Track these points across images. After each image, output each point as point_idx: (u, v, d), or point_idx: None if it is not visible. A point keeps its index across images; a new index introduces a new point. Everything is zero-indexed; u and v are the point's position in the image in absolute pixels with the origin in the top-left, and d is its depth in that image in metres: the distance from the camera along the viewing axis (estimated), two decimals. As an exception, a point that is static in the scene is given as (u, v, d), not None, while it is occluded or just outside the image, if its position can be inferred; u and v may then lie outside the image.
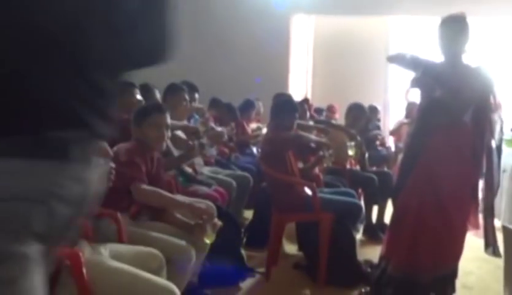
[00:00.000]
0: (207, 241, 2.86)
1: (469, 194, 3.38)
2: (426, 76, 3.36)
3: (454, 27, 3.30)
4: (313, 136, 4.18)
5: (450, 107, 3.27)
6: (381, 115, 8.53)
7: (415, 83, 3.46)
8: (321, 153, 4.45)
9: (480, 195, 3.48)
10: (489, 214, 3.37)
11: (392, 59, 3.53)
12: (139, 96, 3.77)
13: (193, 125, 4.43)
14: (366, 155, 5.75)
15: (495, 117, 3.34)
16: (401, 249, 3.39)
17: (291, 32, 9.13)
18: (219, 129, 4.68)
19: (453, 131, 3.31)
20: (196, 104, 4.77)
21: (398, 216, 3.49)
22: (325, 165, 4.81)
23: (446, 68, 3.31)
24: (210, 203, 3.26)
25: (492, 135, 3.33)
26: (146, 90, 4.07)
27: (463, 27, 3.30)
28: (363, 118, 5.46)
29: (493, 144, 3.34)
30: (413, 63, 3.42)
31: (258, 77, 8.32)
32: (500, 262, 3.37)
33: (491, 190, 3.37)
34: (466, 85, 3.23)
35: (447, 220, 3.31)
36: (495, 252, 3.35)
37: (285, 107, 4.17)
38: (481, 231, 3.45)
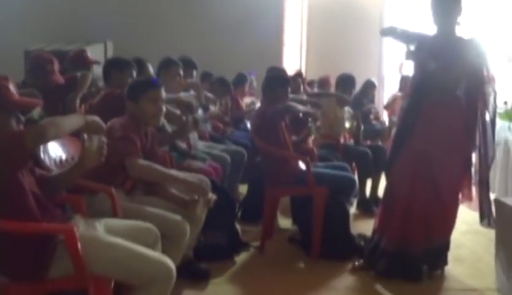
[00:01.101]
0: (201, 213, 2.88)
1: (462, 167, 3.41)
2: (420, 49, 3.36)
3: (447, 0, 3.29)
4: (301, 107, 4.16)
5: (443, 81, 3.27)
6: (376, 89, 8.50)
7: (410, 55, 3.45)
8: (309, 124, 4.45)
9: (474, 167, 3.50)
10: (484, 186, 3.40)
11: (386, 32, 3.52)
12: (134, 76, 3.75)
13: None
14: (362, 127, 5.76)
15: (489, 89, 3.34)
16: (393, 222, 3.43)
17: (285, 5, 9.05)
18: (213, 108, 4.66)
19: (446, 105, 3.32)
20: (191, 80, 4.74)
21: (391, 190, 3.52)
22: (312, 136, 4.81)
23: (439, 41, 3.31)
24: (205, 178, 3.27)
25: (485, 108, 3.34)
26: (139, 64, 4.04)
27: (456, 2, 3.29)
28: (351, 89, 5.44)
29: (487, 116, 3.35)
30: (407, 36, 3.41)
31: (253, 50, 8.28)
32: (492, 235, 3.41)
33: (486, 163, 3.39)
34: (460, 58, 3.23)
35: (439, 193, 3.34)
36: (490, 224, 3.39)
37: (276, 81, 4.15)
38: (474, 204, 3.49)
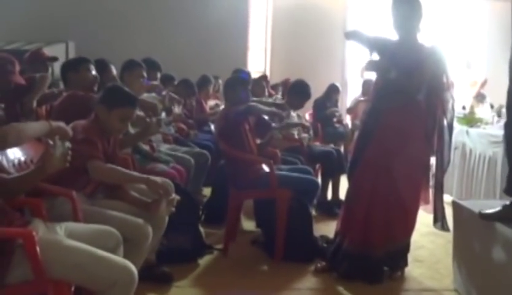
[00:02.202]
0: (164, 214, 2.86)
1: (421, 171, 3.48)
2: (381, 57, 3.42)
3: (406, 6, 3.36)
4: (265, 107, 4.16)
5: (404, 88, 3.34)
6: (339, 93, 8.61)
7: (371, 65, 3.51)
8: (273, 124, 4.45)
9: (431, 171, 3.59)
10: (439, 189, 3.49)
11: (350, 35, 3.56)
12: (94, 72, 3.69)
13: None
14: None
15: (447, 95, 3.43)
16: (355, 224, 3.48)
17: (249, 8, 9.09)
18: (177, 110, 4.64)
19: (407, 111, 3.38)
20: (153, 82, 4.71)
21: (352, 192, 3.57)
22: (276, 136, 4.83)
23: (400, 47, 3.37)
24: (167, 180, 3.25)
25: (443, 113, 3.43)
26: (102, 65, 3.99)
27: (415, 5, 3.36)
28: (303, 98, 5.17)
29: (445, 122, 3.44)
30: (370, 41, 3.46)
31: (218, 53, 8.28)
32: (450, 237, 3.49)
33: (441, 167, 3.48)
34: (420, 65, 3.30)
35: (399, 196, 3.41)
36: (443, 227, 3.48)
37: (238, 83, 4.16)
38: (431, 206, 3.57)
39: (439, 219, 3.48)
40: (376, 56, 3.45)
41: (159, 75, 5.21)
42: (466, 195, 5.33)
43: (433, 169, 3.60)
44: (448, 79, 3.43)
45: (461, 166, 5.54)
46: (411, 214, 3.51)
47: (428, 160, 3.56)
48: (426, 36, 3.48)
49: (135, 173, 3.00)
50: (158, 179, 2.87)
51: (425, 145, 3.46)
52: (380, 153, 3.40)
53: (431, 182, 3.59)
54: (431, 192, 3.57)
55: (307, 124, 5.73)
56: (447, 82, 3.43)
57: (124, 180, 2.92)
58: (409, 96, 3.37)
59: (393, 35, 3.45)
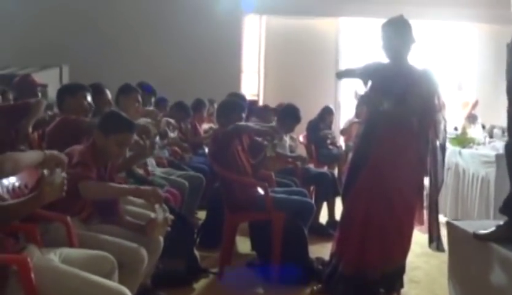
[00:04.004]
0: (160, 236, 2.86)
1: (415, 192, 3.50)
2: (372, 86, 3.46)
3: (395, 30, 3.41)
4: (254, 125, 4.16)
5: (396, 117, 3.38)
6: (333, 115, 8.67)
7: (363, 100, 3.56)
8: (265, 142, 4.46)
9: (425, 191, 3.60)
10: (433, 210, 3.51)
11: (340, 75, 3.62)
12: (90, 100, 3.71)
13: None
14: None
15: (439, 117, 3.47)
16: (351, 246, 3.48)
17: (243, 32, 9.18)
18: (172, 135, 4.65)
19: (400, 135, 3.41)
20: (149, 107, 4.73)
21: (347, 214, 3.58)
22: (268, 154, 4.83)
23: (391, 70, 3.41)
24: (157, 188, 3.24)
25: (436, 135, 3.46)
26: (98, 90, 4.01)
27: (404, 29, 3.42)
28: (292, 122, 5.17)
29: (438, 143, 3.47)
30: (360, 73, 3.52)
31: (211, 76, 8.34)
32: (445, 257, 3.49)
33: (435, 187, 3.50)
34: (412, 89, 3.34)
35: (394, 218, 3.42)
36: (439, 247, 3.49)
37: (230, 106, 4.18)
38: (426, 227, 3.58)
39: (434, 239, 3.49)
40: (366, 87, 3.50)
41: (153, 99, 5.23)
42: (460, 215, 5.34)
43: (427, 189, 3.61)
44: (440, 100, 3.47)
45: (455, 186, 5.57)
46: (406, 236, 3.52)
47: (422, 181, 3.58)
48: (418, 59, 3.53)
49: (125, 186, 3.03)
50: (148, 187, 2.88)
51: (418, 166, 3.48)
52: (375, 177, 3.42)
53: (426, 203, 3.61)
54: (425, 212, 3.58)
55: (304, 156, 5.73)
56: (439, 103, 3.47)
57: (115, 194, 2.92)
58: (402, 119, 3.40)
59: (383, 57, 3.50)
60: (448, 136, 5.53)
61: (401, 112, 3.37)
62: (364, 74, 3.49)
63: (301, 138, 7.28)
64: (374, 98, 3.45)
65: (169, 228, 2.87)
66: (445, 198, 5.57)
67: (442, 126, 3.46)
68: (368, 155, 3.45)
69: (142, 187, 2.86)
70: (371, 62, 3.57)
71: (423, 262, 4.35)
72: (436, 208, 3.53)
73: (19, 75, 6.06)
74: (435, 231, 3.48)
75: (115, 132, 2.90)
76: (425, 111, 3.41)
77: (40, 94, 4.60)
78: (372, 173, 3.43)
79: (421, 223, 3.57)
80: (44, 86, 4.73)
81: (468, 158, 5.39)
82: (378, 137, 3.43)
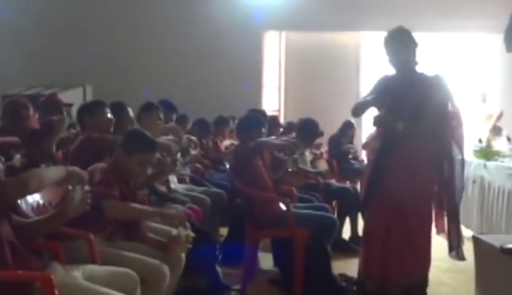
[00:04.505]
0: (181, 253, 2.86)
1: (432, 202, 3.47)
2: (386, 112, 3.44)
3: (397, 42, 3.41)
4: (276, 141, 4.15)
5: (411, 135, 3.36)
6: (355, 130, 8.63)
7: (378, 122, 3.54)
8: (286, 156, 4.44)
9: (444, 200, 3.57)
10: (453, 219, 3.47)
11: (356, 112, 3.60)
12: (109, 114, 3.75)
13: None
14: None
15: (455, 123, 3.44)
16: (373, 262, 3.45)
17: (263, 48, 9.22)
18: (193, 152, 4.67)
19: (415, 151, 3.39)
20: (171, 124, 4.76)
21: (368, 229, 3.57)
22: (289, 169, 4.81)
23: (401, 86, 3.39)
24: (181, 208, 3.25)
25: (452, 142, 3.43)
26: (119, 108, 4.05)
27: (406, 40, 3.40)
28: (312, 136, 5.20)
29: (455, 150, 3.43)
30: (373, 100, 3.50)
31: (232, 92, 8.38)
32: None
33: (453, 195, 3.46)
34: (427, 103, 3.31)
35: (411, 229, 3.40)
36: (459, 256, 3.44)
37: (250, 122, 4.18)
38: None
39: (454, 248, 3.45)
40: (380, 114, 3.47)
41: (175, 116, 5.26)
42: (486, 229, 5.25)
43: (446, 198, 3.57)
44: (454, 107, 3.45)
45: (480, 200, 5.48)
46: (425, 249, 3.48)
47: (440, 189, 3.54)
48: (441, 71, 3.52)
49: (149, 208, 3.05)
50: (172, 210, 2.89)
51: (435, 178, 3.45)
52: (393, 192, 3.40)
53: (446, 211, 3.57)
54: (446, 220, 3.54)
55: (324, 171, 5.70)
56: (454, 109, 3.45)
57: (139, 216, 2.95)
58: (417, 137, 3.38)
59: (393, 70, 3.49)
60: (473, 148, 5.46)
61: (416, 129, 3.35)
62: (376, 99, 3.48)
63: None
64: (388, 119, 3.43)
65: (190, 246, 2.88)
66: (470, 212, 5.49)
67: (458, 133, 3.44)
68: (384, 170, 3.44)
69: (166, 210, 2.87)
70: (378, 83, 3.57)
71: (449, 278, 4.27)
72: (457, 217, 3.49)
73: (43, 95, 6.18)
74: (455, 239, 3.44)
75: (137, 151, 2.92)
76: (439, 118, 3.38)
77: (65, 113, 4.67)
78: (390, 189, 3.41)
79: (443, 231, 3.52)
80: (70, 105, 4.80)
81: (493, 171, 5.31)
82: (394, 152, 3.40)
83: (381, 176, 3.45)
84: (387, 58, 3.46)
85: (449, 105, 3.44)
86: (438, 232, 3.56)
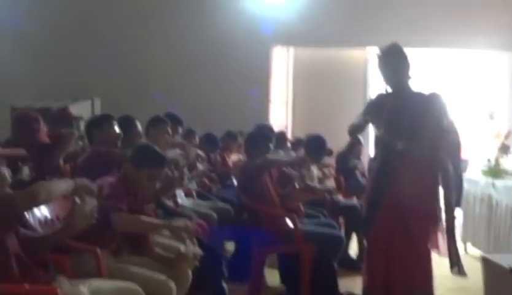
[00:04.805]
0: (188, 269, 2.85)
1: (432, 220, 3.46)
2: (383, 132, 3.44)
3: (392, 61, 3.41)
4: (284, 157, 4.16)
5: (410, 152, 3.35)
6: (362, 146, 8.61)
7: (378, 142, 3.54)
8: (293, 172, 4.43)
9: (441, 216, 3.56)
10: (451, 235, 3.45)
11: (352, 133, 3.62)
12: (117, 128, 3.76)
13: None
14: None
15: (449, 138, 3.44)
16: (377, 280, 3.43)
17: (271, 63, 9.25)
18: (201, 167, 4.68)
19: (414, 168, 3.39)
20: (178, 139, 4.76)
21: (371, 247, 3.55)
22: (297, 185, 4.79)
23: (396, 105, 3.39)
24: (189, 222, 3.25)
25: (448, 157, 3.42)
26: (127, 122, 4.06)
27: (400, 58, 3.40)
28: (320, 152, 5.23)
29: (450, 165, 3.42)
30: (368, 121, 3.51)
31: (240, 107, 8.40)
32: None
33: (450, 211, 3.45)
34: (423, 123, 3.31)
35: (414, 245, 3.40)
36: (460, 271, 3.41)
37: (258, 137, 4.18)
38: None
39: (455, 263, 3.42)
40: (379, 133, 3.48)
41: (180, 129, 5.27)
42: (494, 248, 5.19)
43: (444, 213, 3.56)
44: (448, 122, 3.45)
45: (488, 218, 5.43)
46: (427, 262, 3.46)
47: (438, 208, 3.53)
48: (448, 89, 3.52)
49: (157, 220, 3.05)
50: (180, 223, 2.89)
51: (433, 194, 3.44)
52: (394, 209, 3.40)
53: (443, 227, 3.55)
54: (442, 237, 3.51)
55: (331, 188, 5.68)
56: (448, 124, 3.46)
57: (147, 228, 2.95)
58: (415, 155, 3.37)
59: (387, 89, 3.50)
60: (481, 167, 5.43)
61: (415, 147, 3.35)
62: (371, 119, 3.49)
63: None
64: (386, 139, 3.43)
65: (197, 263, 2.87)
66: (478, 231, 5.45)
67: (453, 148, 3.44)
68: (384, 188, 3.43)
69: (174, 223, 2.87)
70: (370, 104, 3.59)
71: (457, 297, 4.23)
72: (453, 233, 3.48)
73: (52, 107, 6.21)
74: (454, 255, 3.42)
75: (146, 166, 2.93)
76: (435, 134, 3.38)
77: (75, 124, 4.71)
78: (391, 205, 3.40)
79: (436, 247, 3.49)
80: (79, 118, 4.83)
81: (501, 190, 5.27)
82: (393, 171, 3.40)
83: (382, 193, 3.44)
84: (381, 76, 3.46)
85: (444, 121, 3.43)
86: (432, 248, 3.52)
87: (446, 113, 3.46)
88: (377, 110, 3.51)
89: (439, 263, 3.55)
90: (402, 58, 3.42)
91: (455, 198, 3.49)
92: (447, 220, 3.49)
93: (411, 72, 3.43)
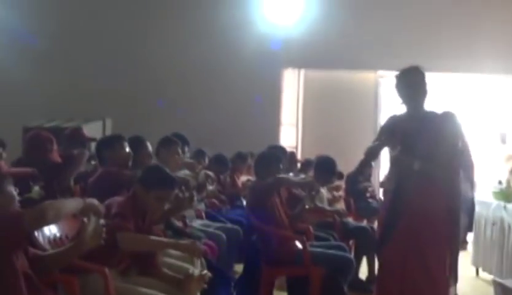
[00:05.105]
0: (197, 291, 2.83)
1: (447, 245, 3.42)
2: (399, 152, 3.44)
3: (410, 80, 3.42)
4: (294, 178, 4.15)
5: (426, 174, 3.34)
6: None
7: (394, 162, 3.53)
8: (303, 193, 4.42)
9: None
10: (455, 257, 3.43)
11: (370, 156, 3.61)
12: (127, 149, 3.78)
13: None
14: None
15: (464, 159, 3.42)
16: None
17: (282, 85, 9.29)
18: (210, 188, 4.68)
19: (430, 191, 3.36)
20: (187, 159, 4.78)
21: (383, 271, 3.51)
22: (306, 206, 4.77)
23: (412, 127, 3.38)
24: (196, 242, 3.24)
25: (461, 179, 3.40)
26: (138, 142, 4.08)
27: (418, 81, 3.40)
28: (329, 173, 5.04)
29: (463, 188, 3.40)
30: (383, 144, 3.50)
31: (250, 128, 8.42)
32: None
33: (459, 233, 3.42)
34: (440, 140, 3.30)
35: (429, 270, 3.35)
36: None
37: (268, 158, 4.18)
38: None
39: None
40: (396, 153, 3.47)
41: (187, 149, 5.28)
42: (506, 273, 5.12)
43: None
44: (463, 143, 3.43)
45: (500, 242, 5.36)
46: (442, 288, 3.41)
47: (453, 232, 3.50)
48: (460, 112, 3.52)
49: (164, 239, 3.05)
50: (187, 242, 2.88)
51: (449, 217, 3.41)
52: (409, 232, 3.37)
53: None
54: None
55: (341, 210, 5.65)
56: (463, 146, 3.44)
57: (154, 247, 2.94)
58: (431, 176, 3.36)
59: (403, 111, 3.50)
60: (493, 190, 5.39)
61: (431, 168, 3.33)
62: (388, 139, 3.49)
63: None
64: (404, 159, 3.42)
65: (205, 285, 2.85)
66: (490, 255, 5.37)
67: (467, 169, 3.41)
68: (400, 210, 3.40)
69: (182, 241, 2.87)
70: (387, 123, 3.58)
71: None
72: (457, 256, 3.45)
73: (64, 127, 6.26)
74: (453, 278, 3.38)
75: (156, 188, 2.94)
76: (451, 157, 3.36)
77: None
78: (406, 228, 3.37)
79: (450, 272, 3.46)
80: (93, 140, 4.84)
81: (513, 213, 5.21)
82: (410, 192, 3.37)
83: (398, 215, 3.41)
84: (398, 95, 3.46)
85: (459, 142, 3.42)
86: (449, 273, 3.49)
87: (461, 134, 3.45)
88: (391, 130, 3.51)
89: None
90: (420, 80, 3.43)
91: (467, 222, 3.46)
92: (455, 243, 3.46)
93: (428, 94, 3.44)
